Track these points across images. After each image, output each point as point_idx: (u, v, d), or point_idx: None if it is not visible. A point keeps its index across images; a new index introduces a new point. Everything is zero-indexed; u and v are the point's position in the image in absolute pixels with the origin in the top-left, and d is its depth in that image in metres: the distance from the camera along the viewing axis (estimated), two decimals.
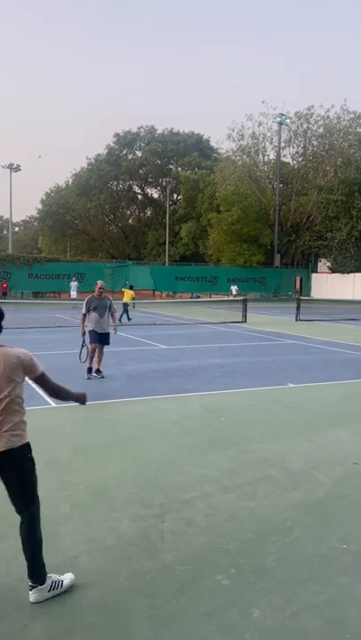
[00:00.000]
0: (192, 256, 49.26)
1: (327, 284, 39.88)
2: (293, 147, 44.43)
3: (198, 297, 39.22)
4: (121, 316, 19.42)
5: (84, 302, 9.37)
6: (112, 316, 9.54)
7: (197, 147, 56.51)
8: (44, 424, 6.48)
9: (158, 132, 57.30)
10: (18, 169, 45.29)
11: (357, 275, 37.94)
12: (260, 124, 42.60)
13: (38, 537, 3.06)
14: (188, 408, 7.30)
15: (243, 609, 2.89)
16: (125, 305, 20.86)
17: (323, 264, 41.64)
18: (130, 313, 21.29)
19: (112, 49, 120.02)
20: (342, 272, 39.06)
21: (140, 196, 61.15)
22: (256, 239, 41.89)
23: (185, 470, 4.96)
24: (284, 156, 44.71)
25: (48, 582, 3.00)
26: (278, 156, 43.03)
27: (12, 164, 44.84)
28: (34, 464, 3.12)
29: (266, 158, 44.93)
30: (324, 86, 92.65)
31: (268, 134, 43.28)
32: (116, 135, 56.31)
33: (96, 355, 9.29)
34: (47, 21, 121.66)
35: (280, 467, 5.05)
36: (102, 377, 9.23)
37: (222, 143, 62.28)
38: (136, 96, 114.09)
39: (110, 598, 2.99)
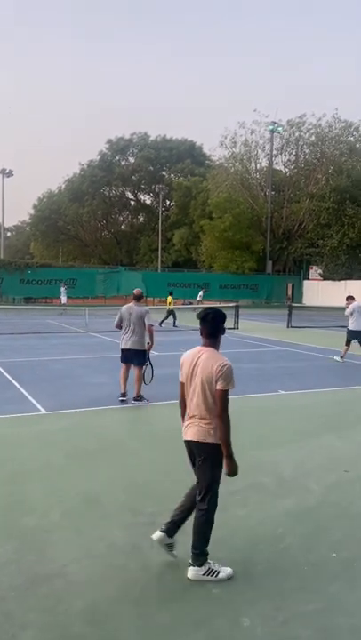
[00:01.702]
0: (184, 262, 49.33)
1: (319, 291, 40.04)
2: (285, 154, 44.76)
3: (191, 303, 39.25)
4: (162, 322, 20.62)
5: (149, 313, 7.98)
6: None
7: (190, 153, 56.74)
8: (34, 430, 6.45)
9: (151, 138, 57.51)
10: (10, 174, 45.18)
11: (349, 282, 38.13)
12: (252, 132, 42.87)
13: (203, 524, 3.31)
14: (178, 415, 7.28)
15: (233, 618, 2.88)
16: (168, 311, 21.31)
17: (314, 271, 41.86)
18: (168, 318, 21.36)
19: (105, 54, 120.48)
20: (334, 279, 39.28)
21: (132, 202, 61.26)
22: (248, 246, 42.04)
23: (176, 478, 4.93)
24: (277, 163, 45.02)
25: (205, 567, 3.24)
26: (270, 163, 43.30)
27: (4, 169, 44.73)
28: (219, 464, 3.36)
29: (258, 166, 45.19)
30: (317, 95, 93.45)
31: (261, 142, 43.56)
32: (109, 141, 56.44)
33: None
34: (43, 31, 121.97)
35: (271, 474, 5.06)
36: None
37: (215, 150, 62.51)
38: (129, 102, 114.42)
39: (100, 607, 2.97)
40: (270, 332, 19.44)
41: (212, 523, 3.35)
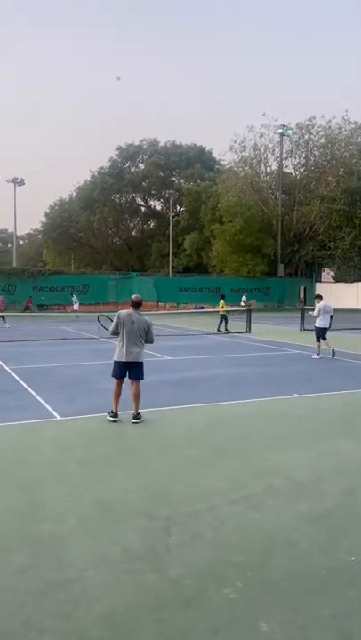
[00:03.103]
0: (195, 267, 49.37)
1: (331, 294, 39.75)
2: (295, 157, 44.73)
3: (203, 307, 39.22)
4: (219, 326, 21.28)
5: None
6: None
7: (200, 158, 56.90)
8: (48, 436, 6.48)
9: (161, 144, 57.82)
10: (22, 183, 45.68)
11: None
12: (261, 136, 42.90)
13: None
14: (192, 419, 7.29)
15: (250, 623, 2.86)
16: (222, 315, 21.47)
17: (326, 273, 41.64)
18: (222, 323, 21.48)
19: (116, 62, 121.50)
20: (346, 281, 39.04)
21: (143, 209, 61.54)
22: (259, 249, 41.98)
23: (190, 482, 4.94)
24: (286, 166, 44.96)
25: None
26: (280, 166, 43.24)
27: (17, 178, 45.26)
28: None
29: (268, 169, 45.18)
30: (327, 97, 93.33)
31: (270, 145, 43.58)
32: (119, 148, 56.86)
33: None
34: (47, 39, 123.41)
35: (286, 478, 5.02)
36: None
37: (224, 155, 62.79)
38: (139, 109, 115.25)
39: (117, 613, 2.97)
40: (283, 336, 19.36)
41: None
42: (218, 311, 22.11)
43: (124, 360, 7.07)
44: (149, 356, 13.54)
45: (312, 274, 43.17)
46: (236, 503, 4.44)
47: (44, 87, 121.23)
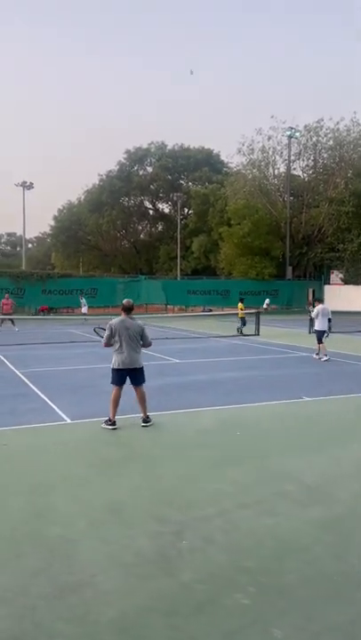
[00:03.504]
0: (203, 270, 49.36)
1: (340, 296, 39.62)
2: (303, 159, 44.60)
3: (211, 310, 39.18)
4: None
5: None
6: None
7: (208, 161, 56.94)
8: (57, 440, 6.48)
9: (169, 147, 57.94)
10: (31, 187, 45.92)
11: None
12: (269, 138, 42.83)
13: None
14: (202, 422, 7.26)
15: (264, 629, 2.84)
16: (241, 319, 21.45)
17: (335, 276, 41.45)
18: (242, 327, 21.39)
19: (122, 65, 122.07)
20: (355, 283, 38.86)
21: (151, 212, 61.64)
22: (267, 252, 41.89)
23: (201, 486, 4.92)
24: (295, 168, 44.86)
25: None
26: (288, 169, 43.16)
27: (25, 182, 45.50)
28: None
29: (276, 171, 45.08)
30: (335, 99, 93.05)
31: (278, 148, 43.49)
32: (127, 151, 57.03)
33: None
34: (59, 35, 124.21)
35: (297, 482, 4.99)
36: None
37: (232, 157, 62.81)
38: (146, 112, 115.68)
39: (129, 617, 2.96)
40: (292, 338, 19.27)
41: None
42: (237, 313, 22.00)
43: (123, 367, 6.96)
44: (158, 359, 13.56)
45: (321, 276, 42.99)
46: (247, 507, 4.42)
47: (50, 89, 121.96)
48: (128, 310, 7.07)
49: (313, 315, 13.88)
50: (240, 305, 22.11)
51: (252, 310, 23.16)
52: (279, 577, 3.36)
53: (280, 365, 12.85)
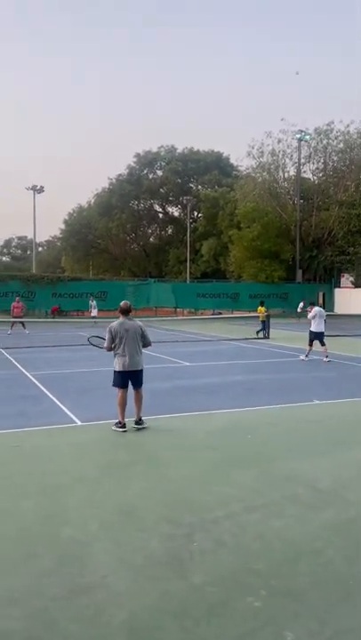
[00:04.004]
0: (213, 273, 49.34)
1: (350, 299, 39.36)
2: (313, 162, 44.43)
3: (220, 313, 39.14)
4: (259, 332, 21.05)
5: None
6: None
7: (217, 165, 56.97)
8: (69, 442, 6.51)
9: (178, 150, 58.03)
10: (41, 190, 46.25)
11: None
12: (279, 141, 42.73)
13: None
14: (212, 425, 7.25)
15: (276, 632, 2.82)
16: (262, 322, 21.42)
17: (346, 279, 41.20)
18: (263, 329, 21.29)
19: (133, 69, 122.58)
20: None
21: (160, 215, 61.76)
22: (277, 255, 41.76)
23: (210, 489, 4.91)
24: (305, 171, 44.73)
25: None
26: (298, 172, 43.06)
27: (35, 186, 45.84)
28: None
29: (286, 175, 44.96)
30: (345, 102, 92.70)
31: (288, 151, 43.37)
32: (137, 155, 57.22)
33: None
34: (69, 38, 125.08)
35: (307, 485, 4.96)
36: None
37: (242, 160, 62.58)
38: (157, 115, 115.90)
39: (141, 619, 2.95)
40: (302, 341, 19.15)
41: None
42: (258, 316, 21.91)
43: (126, 370, 6.94)
44: (168, 361, 13.57)
45: (331, 279, 42.75)
46: (256, 510, 4.40)
47: (58, 94, 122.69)
48: (126, 312, 7.09)
49: (310, 315, 14.18)
50: (261, 308, 21.99)
51: (271, 312, 22.99)
52: (291, 580, 3.34)
53: (290, 369, 12.80)
